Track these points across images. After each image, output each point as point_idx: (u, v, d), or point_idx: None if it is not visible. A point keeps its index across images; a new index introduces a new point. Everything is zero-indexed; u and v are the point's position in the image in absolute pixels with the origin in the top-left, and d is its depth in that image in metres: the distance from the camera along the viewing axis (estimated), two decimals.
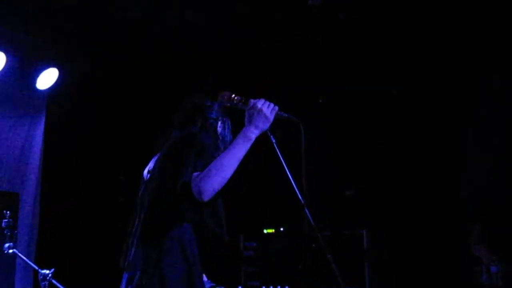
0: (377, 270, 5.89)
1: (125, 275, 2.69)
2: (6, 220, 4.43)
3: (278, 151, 2.71)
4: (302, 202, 2.65)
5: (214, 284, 4.32)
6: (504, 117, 6.02)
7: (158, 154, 2.81)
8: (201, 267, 2.66)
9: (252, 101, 2.68)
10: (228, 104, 2.73)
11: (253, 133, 2.62)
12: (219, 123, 2.81)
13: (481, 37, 5.63)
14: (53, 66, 5.64)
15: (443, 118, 6.25)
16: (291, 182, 2.69)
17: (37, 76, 5.62)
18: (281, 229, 6.20)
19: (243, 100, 2.71)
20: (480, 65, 5.99)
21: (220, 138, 2.79)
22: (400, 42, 5.82)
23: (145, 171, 2.86)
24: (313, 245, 2.65)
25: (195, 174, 2.51)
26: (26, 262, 4.55)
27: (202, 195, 2.48)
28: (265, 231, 6.26)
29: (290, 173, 2.69)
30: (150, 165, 2.85)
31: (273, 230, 6.21)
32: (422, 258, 6.04)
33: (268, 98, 2.72)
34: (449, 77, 6.13)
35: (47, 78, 5.67)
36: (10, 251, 4.35)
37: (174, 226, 2.60)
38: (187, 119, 2.80)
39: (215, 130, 2.79)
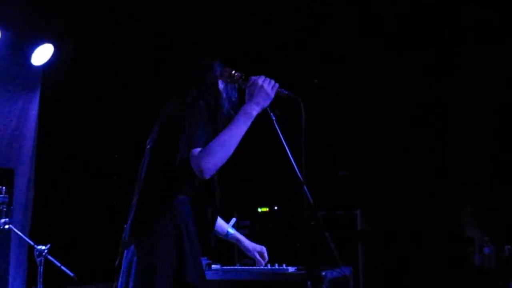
0: (371, 250, 5.93)
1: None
2: (1, 195, 4.43)
3: (277, 128, 2.71)
4: (302, 180, 2.65)
5: (210, 261, 4.34)
6: (497, 98, 6.05)
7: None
8: (196, 239, 2.65)
9: (252, 78, 2.68)
10: (229, 81, 2.73)
11: (254, 110, 2.62)
12: (223, 93, 2.79)
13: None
14: (48, 41, 5.61)
15: (437, 99, 6.27)
16: (289, 160, 2.69)
17: (32, 51, 5.59)
18: (275, 207, 6.22)
19: (243, 77, 2.71)
20: (469, 41, 6.00)
21: (224, 106, 2.76)
22: (395, 23, 5.82)
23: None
24: (311, 223, 2.66)
25: (196, 150, 2.50)
26: (21, 238, 4.55)
27: (204, 173, 2.48)
28: (259, 209, 6.28)
29: (289, 151, 2.69)
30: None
31: (267, 209, 6.23)
32: (416, 238, 6.08)
33: (267, 76, 2.72)
34: (441, 57, 6.13)
35: (42, 54, 5.64)
36: (6, 226, 4.35)
37: (168, 197, 2.61)
38: (186, 86, 2.77)
39: (217, 97, 2.76)
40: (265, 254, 3.40)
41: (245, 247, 3.33)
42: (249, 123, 2.61)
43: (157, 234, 2.55)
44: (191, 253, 2.57)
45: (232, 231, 3.43)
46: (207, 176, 2.49)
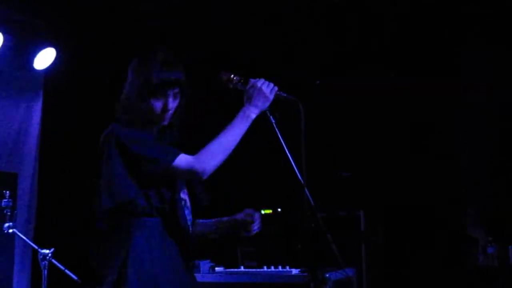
0: (374, 251, 5.93)
1: None
2: (6, 200, 4.44)
3: (277, 131, 2.72)
4: (302, 182, 2.66)
5: (213, 264, 4.36)
6: (497, 98, 6.05)
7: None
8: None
9: (252, 80, 2.69)
10: (229, 85, 2.73)
11: (252, 112, 2.63)
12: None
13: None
14: (51, 45, 5.62)
15: (439, 99, 6.26)
16: (290, 163, 2.70)
17: (35, 56, 5.58)
18: (279, 210, 6.22)
19: (242, 80, 2.72)
20: (472, 41, 6.00)
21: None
22: (396, 23, 5.82)
23: None
24: (312, 225, 2.66)
25: (190, 157, 2.50)
26: (25, 242, 4.57)
27: (204, 174, 2.50)
28: (262, 212, 6.28)
29: (289, 154, 2.69)
30: None
31: (271, 211, 6.23)
32: (419, 239, 6.07)
33: (266, 79, 2.72)
34: (441, 57, 6.13)
35: (44, 58, 5.64)
36: (10, 230, 4.37)
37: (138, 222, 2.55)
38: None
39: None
40: (255, 217, 2.93)
41: (227, 220, 2.92)
42: (247, 125, 2.61)
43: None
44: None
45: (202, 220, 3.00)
46: (205, 177, 2.51)
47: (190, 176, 2.55)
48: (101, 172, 2.61)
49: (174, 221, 2.57)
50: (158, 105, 2.60)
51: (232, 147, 2.56)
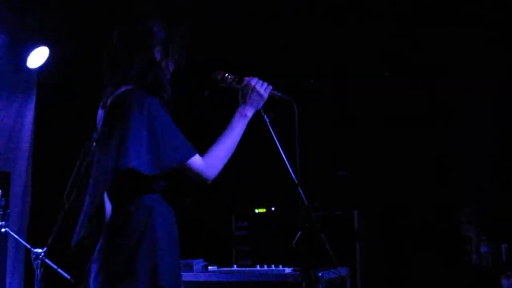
0: (368, 251, 5.93)
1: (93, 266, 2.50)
2: None
3: (271, 130, 2.72)
4: (296, 181, 2.66)
5: (206, 263, 4.35)
6: (497, 98, 6.06)
7: (102, 110, 2.59)
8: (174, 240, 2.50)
9: (246, 79, 2.69)
10: (223, 84, 2.73)
11: (248, 112, 2.64)
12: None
13: None
14: (44, 44, 5.60)
15: (436, 99, 6.28)
16: (284, 162, 2.70)
17: (28, 54, 5.57)
18: (273, 208, 6.22)
19: (236, 79, 2.71)
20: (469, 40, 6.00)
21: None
22: (392, 22, 5.82)
23: (96, 130, 2.64)
24: (306, 224, 2.66)
25: (197, 158, 2.43)
26: (17, 241, 4.55)
27: (210, 181, 2.48)
28: (256, 210, 6.29)
29: (283, 153, 2.70)
30: (99, 118, 2.62)
31: (265, 210, 6.23)
32: (413, 238, 6.08)
33: (261, 78, 2.72)
34: (441, 57, 6.14)
35: (37, 57, 5.63)
36: (3, 230, 4.35)
37: (137, 197, 2.45)
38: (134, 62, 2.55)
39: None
40: None
41: None
42: (245, 124, 2.62)
43: (130, 234, 2.37)
44: (167, 255, 2.42)
45: None
46: (209, 183, 2.49)
47: (196, 178, 2.45)
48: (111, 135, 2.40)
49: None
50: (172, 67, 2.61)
51: (234, 148, 2.57)
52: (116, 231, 2.41)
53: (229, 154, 2.55)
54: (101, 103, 2.59)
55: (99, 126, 2.60)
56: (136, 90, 2.44)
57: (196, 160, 2.43)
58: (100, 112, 2.61)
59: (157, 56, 2.59)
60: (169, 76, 2.61)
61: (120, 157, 2.31)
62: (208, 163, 2.47)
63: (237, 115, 2.63)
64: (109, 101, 2.51)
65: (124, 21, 2.72)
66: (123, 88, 2.49)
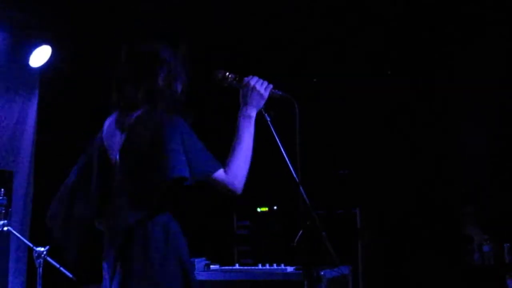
0: (370, 249, 5.93)
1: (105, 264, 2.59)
2: (1, 197, 4.43)
3: (272, 129, 2.71)
4: (297, 180, 2.65)
5: (208, 262, 4.35)
6: (497, 98, 6.06)
7: (113, 119, 2.68)
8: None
9: (245, 79, 2.68)
10: (224, 83, 2.72)
11: (251, 112, 2.64)
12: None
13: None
14: (46, 43, 5.61)
15: (438, 97, 6.27)
16: (285, 161, 2.70)
17: (30, 53, 5.58)
18: (275, 207, 6.22)
19: (237, 78, 2.71)
20: (469, 40, 6.00)
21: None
22: (393, 20, 5.82)
23: (111, 149, 2.67)
24: (307, 223, 2.66)
25: (222, 171, 2.46)
26: (20, 240, 4.56)
27: (238, 192, 2.50)
28: (258, 209, 6.29)
29: (284, 152, 2.69)
30: (111, 138, 2.68)
31: (267, 209, 6.23)
32: (415, 237, 6.08)
33: (262, 77, 2.72)
34: (441, 57, 6.14)
35: (40, 56, 5.63)
36: (5, 228, 4.36)
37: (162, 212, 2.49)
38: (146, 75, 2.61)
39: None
40: None
41: None
42: (252, 124, 2.62)
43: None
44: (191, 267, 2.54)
45: None
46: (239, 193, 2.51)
47: (224, 190, 2.48)
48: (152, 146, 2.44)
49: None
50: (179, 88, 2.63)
51: (251, 152, 2.57)
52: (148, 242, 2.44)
53: (248, 159, 2.55)
54: (114, 124, 2.68)
55: (113, 145, 2.65)
56: (159, 111, 2.50)
57: (221, 173, 2.46)
58: (114, 131, 2.67)
59: (164, 79, 2.60)
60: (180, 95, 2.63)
61: (167, 168, 2.35)
62: (231, 176, 2.47)
63: (241, 118, 2.62)
64: (129, 121, 2.57)
65: (131, 42, 2.77)
66: (142, 109, 2.56)
